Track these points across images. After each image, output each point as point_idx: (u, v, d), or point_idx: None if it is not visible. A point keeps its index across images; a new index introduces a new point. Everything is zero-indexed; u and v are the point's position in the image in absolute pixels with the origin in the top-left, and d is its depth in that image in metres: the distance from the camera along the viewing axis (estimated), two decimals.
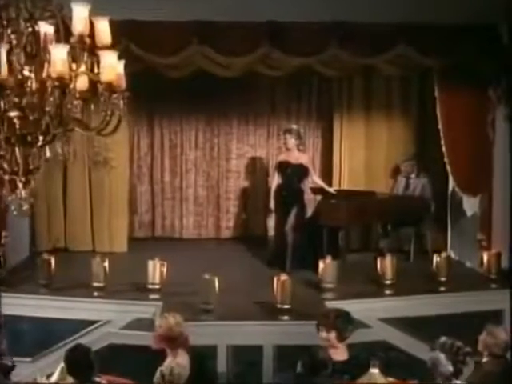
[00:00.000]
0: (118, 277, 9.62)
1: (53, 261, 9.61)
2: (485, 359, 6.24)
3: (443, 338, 5.50)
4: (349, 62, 10.37)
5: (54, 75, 4.08)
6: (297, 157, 10.93)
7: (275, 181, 11.16)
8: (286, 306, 8.50)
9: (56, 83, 4.09)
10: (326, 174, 12.63)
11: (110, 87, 4.23)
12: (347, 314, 6.04)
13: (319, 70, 10.66)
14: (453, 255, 11.21)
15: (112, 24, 9.31)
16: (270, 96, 13.13)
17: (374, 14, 9.44)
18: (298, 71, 10.82)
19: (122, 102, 4.31)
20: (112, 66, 4.20)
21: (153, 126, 13.17)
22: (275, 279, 8.55)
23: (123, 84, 4.42)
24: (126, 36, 9.45)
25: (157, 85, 11.81)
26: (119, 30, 9.22)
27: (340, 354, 6.05)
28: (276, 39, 9.73)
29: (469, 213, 11.22)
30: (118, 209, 12.18)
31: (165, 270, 9.30)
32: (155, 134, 13.18)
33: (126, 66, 9.59)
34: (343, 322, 5.94)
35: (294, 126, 11.35)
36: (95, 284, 9.34)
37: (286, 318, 8.47)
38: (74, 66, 4.38)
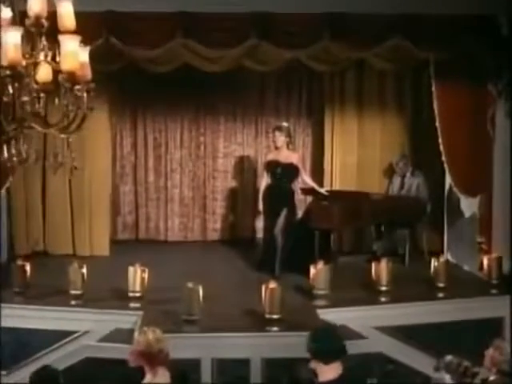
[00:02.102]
0: (97, 283, 9.20)
1: (28, 267, 9.16)
2: (492, 377, 5.70)
3: (449, 357, 4.96)
4: (341, 56, 10.06)
5: (5, 63, 3.52)
6: (286, 156, 10.52)
7: (264, 181, 10.78)
8: (275, 316, 8.00)
9: (8, 72, 3.53)
10: (317, 173, 12.22)
11: (72, 77, 3.67)
12: (322, 336, 5.27)
13: (310, 64, 10.32)
14: (450, 258, 10.80)
15: (92, 16, 8.92)
16: (259, 92, 12.82)
17: (368, 4, 9.10)
18: (288, 66, 10.50)
19: (85, 94, 3.72)
20: (74, 53, 3.66)
21: (136, 124, 12.84)
22: (263, 287, 8.05)
23: (88, 74, 3.88)
24: (105, 28, 9.17)
25: (140, 81, 11.62)
26: (99, 21, 9.11)
27: (330, 371, 5.42)
28: (265, 31, 9.32)
29: (467, 214, 10.80)
30: (99, 210, 11.77)
31: (146, 276, 8.83)
32: (138, 132, 12.86)
33: (108, 62, 9.11)
34: (311, 342, 5.22)
35: (284, 124, 10.94)
36: (72, 292, 8.88)
37: (274, 328, 7.98)
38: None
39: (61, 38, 3.71)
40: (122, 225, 12.81)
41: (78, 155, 11.09)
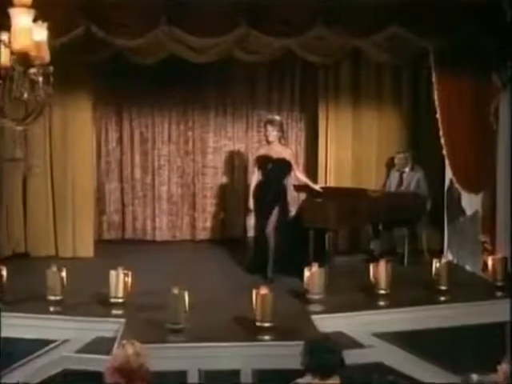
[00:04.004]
0: (79, 287, 8.75)
1: (4, 271, 8.63)
2: None
3: (475, 376, 4.45)
4: (335, 45, 9.76)
5: None
6: (278, 151, 10.07)
7: (255, 177, 10.36)
8: (267, 324, 7.47)
9: None
10: (311, 169, 11.89)
11: (25, 58, 3.11)
12: (316, 350, 4.86)
13: (302, 54, 9.98)
14: (450, 257, 10.37)
15: (71, 3, 8.48)
16: (250, 85, 12.54)
17: None
18: (280, 57, 10.20)
19: (40, 79, 3.16)
20: (26, 30, 3.09)
21: (122, 118, 12.53)
22: (254, 293, 7.53)
23: (45, 55, 3.30)
24: (86, 16, 8.79)
25: (126, 73, 11.33)
26: (78, 8, 8.64)
27: None
28: (254, 18, 8.88)
29: (469, 211, 10.39)
30: (83, 209, 11.33)
31: (129, 280, 8.32)
32: (124, 126, 12.54)
33: (90, 52, 8.62)
34: (305, 357, 4.81)
35: (277, 117, 10.49)
36: (51, 298, 8.38)
37: (266, 337, 7.46)
38: None
39: (12, 12, 3.16)
40: (108, 224, 12.48)
41: (59, 151, 10.95)
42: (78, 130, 11.06)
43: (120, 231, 12.50)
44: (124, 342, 5.45)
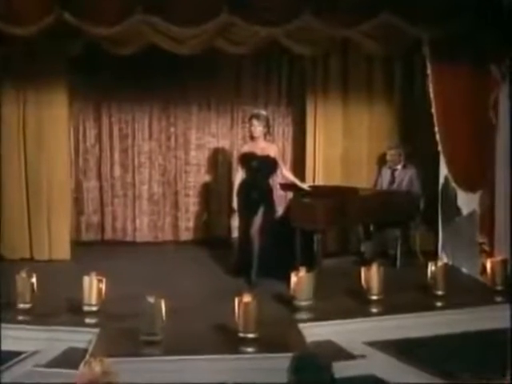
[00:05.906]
0: (52, 294, 8.37)
1: None
2: None
3: None
4: (324, 35, 9.24)
5: None
6: (263, 147, 9.68)
7: (239, 175, 9.95)
8: (251, 335, 7.02)
9: None
10: (299, 167, 11.53)
11: None
12: (304, 366, 4.44)
13: (289, 45, 9.57)
14: (445, 259, 9.99)
15: None
16: (235, 78, 12.16)
17: None
18: (266, 48, 9.82)
19: None
20: None
21: (100, 113, 12.11)
22: (236, 301, 7.07)
23: None
24: (58, 2, 8.27)
25: (105, 66, 11.04)
26: None
27: None
28: (237, 4, 8.36)
29: (465, 211, 9.99)
30: (59, 209, 10.86)
31: (104, 287, 7.87)
32: (103, 122, 12.11)
33: (63, 42, 8.10)
34: (292, 374, 4.38)
35: (262, 112, 10.11)
36: (20, 306, 7.92)
37: (250, 349, 7.01)
38: None
39: None
40: (86, 225, 12.07)
41: (34, 149, 10.50)
42: (54, 127, 10.63)
43: (99, 232, 12.11)
44: (91, 359, 5.06)
